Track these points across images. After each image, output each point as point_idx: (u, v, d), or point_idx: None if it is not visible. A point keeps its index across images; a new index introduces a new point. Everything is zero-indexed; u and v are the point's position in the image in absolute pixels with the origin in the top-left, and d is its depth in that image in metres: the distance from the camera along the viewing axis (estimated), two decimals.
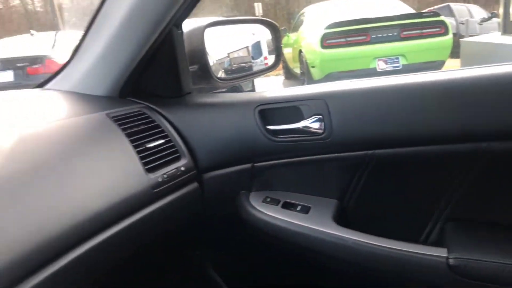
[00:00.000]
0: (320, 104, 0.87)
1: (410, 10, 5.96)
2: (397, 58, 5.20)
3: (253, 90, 4.46)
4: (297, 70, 6.77)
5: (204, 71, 0.97)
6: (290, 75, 7.84)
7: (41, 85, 0.95)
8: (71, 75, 0.90)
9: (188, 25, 0.94)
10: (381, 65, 5.21)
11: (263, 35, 1.46)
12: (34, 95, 0.87)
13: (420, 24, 5.19)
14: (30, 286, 0.52)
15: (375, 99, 0.85)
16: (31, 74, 5.40)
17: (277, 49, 1.19)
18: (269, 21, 1.18)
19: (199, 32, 0.96)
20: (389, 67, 5.21)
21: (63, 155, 0.65)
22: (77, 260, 0.59)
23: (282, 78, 8.62)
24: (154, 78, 0.93)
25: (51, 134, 0.67)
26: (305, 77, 6.02)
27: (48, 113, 0.75)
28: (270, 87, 7.11)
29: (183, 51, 0.93)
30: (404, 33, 5.19)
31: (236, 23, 1.23)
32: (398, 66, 5.22)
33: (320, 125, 0.87)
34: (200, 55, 0.96)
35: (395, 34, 5.19)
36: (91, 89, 0.88)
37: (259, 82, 5.97)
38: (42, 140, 0.65)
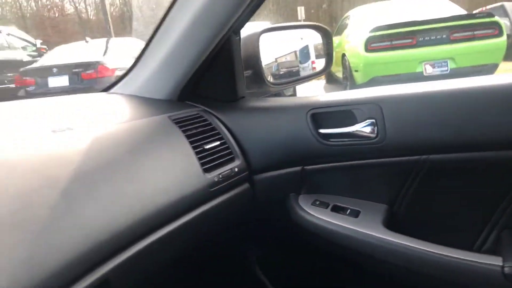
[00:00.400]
0: (374, 108, 0.87)
1: (460, 11, 5.73)
2: (445, 62, 5.02)
3: (294, 95, 4.47)
4: (339, 74, 6.69)
5: (258, 75, 1.01)
6: (332, 80, 7.77)
7: (106, 89, 1.02)
8: (135, 80, 0.97)
9: (243, 30, 0.98)
10: (428, 69, 5.05)
11: (311, 39, 1.48)
12: (101, 98, 0.94)
13: (472, 25, 4.97)
14: (104, 272, 0.57)
15: (430, 104, 0.84)
16: (85, 79, 5.73)
17: (328, 55, 1.20)
18: (321, 26, 1.20)
19: (255, 39, 0.99)
20: (436, 71, 5.04)
21: (132, 154, 0.70)
22: (144, 250, 0.64)
23: (323, 82, 8.55)
24: (211, 82, 0.98)
25: (121, 135, 0.73)
26: (348, 81, 5.95)
27: (116, 115, 0.81)
28: (311, 91, 7.07)
29: (240, 57, 0.96)
30: (454, 35, 4.99)
31: (290, 29, 1.26)
32: (446, 70, 5.03)
33: (373, 130, 0.87)
34: (254, 61, 1.00)
35: (444, 36, 5.01)
36: (152, 93, 0.94)
37: (299, 86, 5.96)
38: (113, 140, 0.71)
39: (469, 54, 4.98)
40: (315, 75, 1.23)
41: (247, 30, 1.03)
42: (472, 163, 0.85)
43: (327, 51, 1.20)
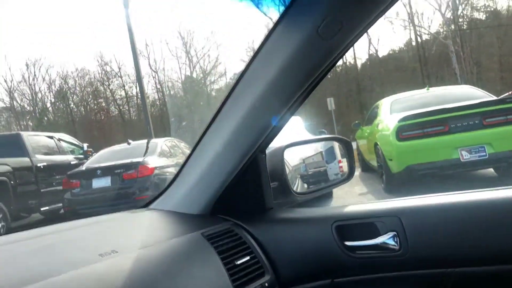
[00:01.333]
0: (395, 221, 0.89)
1: (489, 97, 5.76)
2: (482, 147, 4.92)
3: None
4: (374, 163, 6.66)
5: (284, 187, 1.06)
6: (366, 168, 7.72)
7: (146, 205, 1.11)
8: (172, 196, 1.06)
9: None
10: (464, 155, 4.94)
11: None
12: (142, 216, 1.03)
13: (504, 110, 4.94)
14: None
15: (450, 216, 0.85)
16: (126, 179, 6.03)
17: (350, 168, 1.25)
18: (341, 138, 1.26)
19: (279, 153, 1.07)
20: (474, 157, 4.91)
21: (167, 274, 0.75)
22: None
23: (358, 170, 8.49)
24: (241, 196, 1.04)
25: (159, 256, 0.79)
26: (383, 169, 5.88)
27: (155, 234, 0.88)
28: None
29: (266, 171, 1.04)
30: (487, 120, 4.94)
31: (313, 142, 1.33)
32: (484, 155, 4.90)
33: (396, 242, 0.88)
34: (280, 173, 1.06)
35: (477, 122, 4.97)
36: (188, 208, 1.02)
37: None
38: (152, 261, 0.76)
39: (506, 139, 4.87)
40: (338, 183, 1.27)
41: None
42: (501, 277, 0.82)
43: (349, 162, 1.25)
